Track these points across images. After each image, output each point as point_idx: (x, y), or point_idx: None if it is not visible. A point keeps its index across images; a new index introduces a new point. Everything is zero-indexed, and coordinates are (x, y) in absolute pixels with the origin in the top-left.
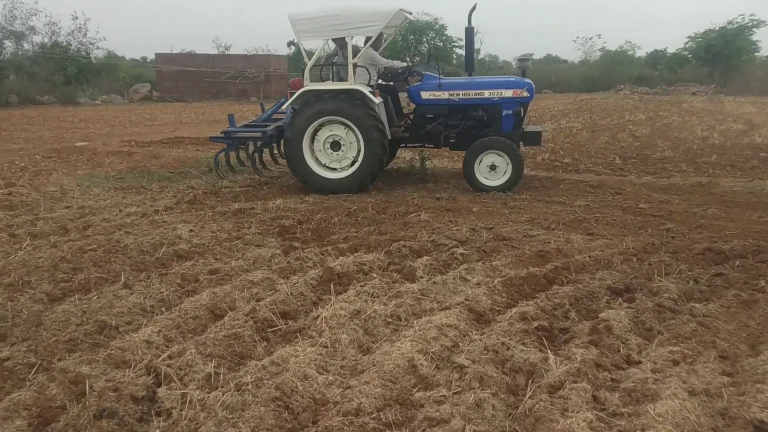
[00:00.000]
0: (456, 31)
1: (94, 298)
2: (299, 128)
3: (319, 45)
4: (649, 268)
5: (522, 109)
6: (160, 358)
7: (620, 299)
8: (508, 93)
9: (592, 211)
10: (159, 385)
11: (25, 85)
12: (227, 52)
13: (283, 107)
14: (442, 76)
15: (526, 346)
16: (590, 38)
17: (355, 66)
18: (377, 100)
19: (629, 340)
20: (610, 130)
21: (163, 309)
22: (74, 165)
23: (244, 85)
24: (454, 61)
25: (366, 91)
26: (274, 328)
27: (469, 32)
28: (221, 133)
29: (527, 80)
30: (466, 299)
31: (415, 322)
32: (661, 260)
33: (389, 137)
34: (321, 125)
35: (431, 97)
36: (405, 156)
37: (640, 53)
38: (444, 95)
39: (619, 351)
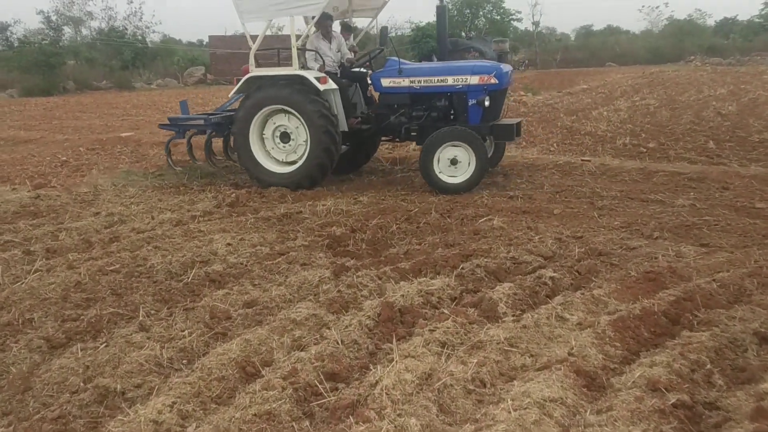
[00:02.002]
0: (514, 3)
1: (102, 346)
2: (244, 118)
3: (262, 26)
4: None
5: (488, 98)
6: None
7: None
8: (474, 80)
9: (699, 212)
10: None
11: (83, 70)
12: (280, 33)
13: (230, 95)
14: (403, 60)
15: None
16: (656, 7)
17: (300, 50)
18: (323, 86)
19: None
20: (692, 108)
21: (183, 362)
22: (117, 158)
23: None
24: (510, 35)
25: (310, 76)
26: (320, 400)
27: (441, 11)
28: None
29: (498, 65)
30: (569, 353)
31: (505, 390)
32: None
33: (342, 127)
34: (269, 115)
35: (392, 84)
36: None
37: (709, 22)
38: (405, 82)
39: None
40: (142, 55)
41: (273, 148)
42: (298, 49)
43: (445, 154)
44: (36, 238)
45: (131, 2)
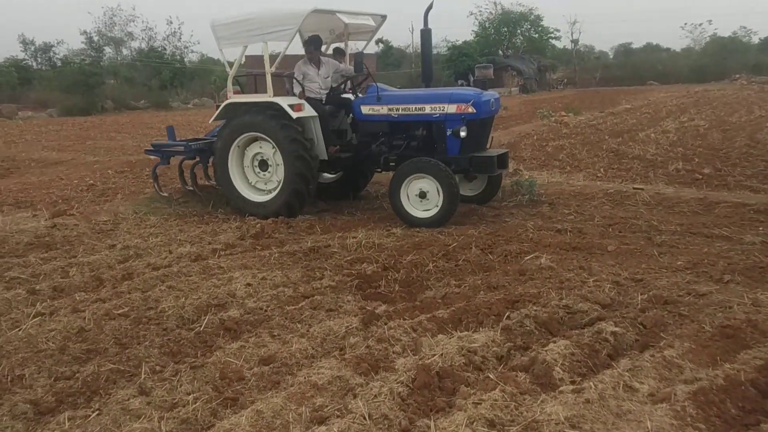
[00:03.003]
0: (552, 21)
1: (93, 414)
2: (222, 147)
3: (239, 52)
4: None
5: (464, 128)
6: None
7: None
8: (451, 108)
9: None
10: None
11: (123, 90)
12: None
13: (210, 121)
14: (384, 87)
15: None
16: (700, 24)
17: (279, 76)
18: (296, 114)
19: None
20: (744, 129)
21: None
22: (144, 182)
23: None
24: (548, 53)
25: (284, 103)
26: None
27: (426, 35)
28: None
29: (479, 92)
30: None
31: None
32: None
33: (321, 155)
34: (247, 142)
35: (370, 111)
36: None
37: (754, 39)
38: (383, 110)
39: None
40: (180, 74)
41: (252, 177)
42: (272, 74)
43: (413, 186)
44: (45, 274)
45: (171, 23)
